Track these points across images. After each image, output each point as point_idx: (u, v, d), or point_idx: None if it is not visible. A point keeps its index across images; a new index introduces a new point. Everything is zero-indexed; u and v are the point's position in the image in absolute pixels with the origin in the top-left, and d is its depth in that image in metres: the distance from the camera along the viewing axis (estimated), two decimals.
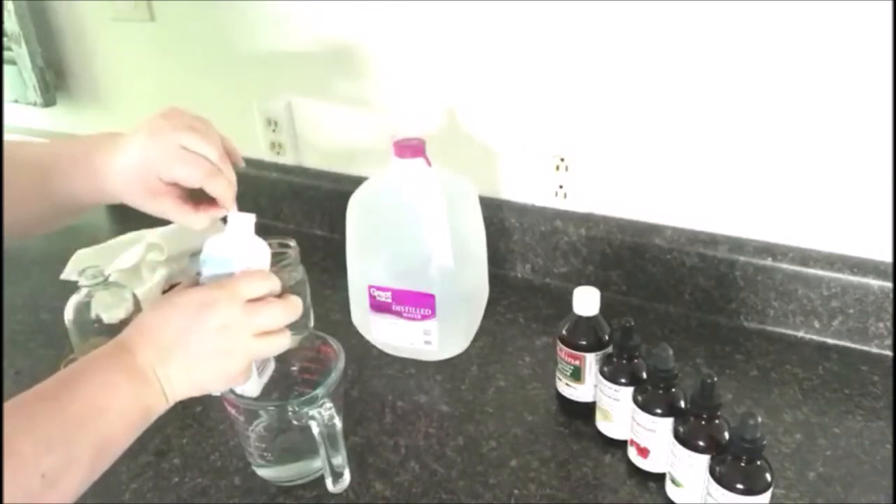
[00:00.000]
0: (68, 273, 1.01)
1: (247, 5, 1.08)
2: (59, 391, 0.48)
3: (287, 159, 1.16)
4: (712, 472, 0.56)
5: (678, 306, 0.90)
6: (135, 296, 0.80)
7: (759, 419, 0.53)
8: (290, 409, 0.60)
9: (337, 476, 0.61)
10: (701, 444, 0.58)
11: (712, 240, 0.86)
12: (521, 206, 0.97)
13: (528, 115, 0.93)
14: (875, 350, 0.80)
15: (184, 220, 0.60)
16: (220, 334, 0.53)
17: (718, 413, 0.58)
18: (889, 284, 0.77)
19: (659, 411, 0.61)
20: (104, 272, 0.77)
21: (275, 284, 0.56)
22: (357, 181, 0.84)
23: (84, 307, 0.76)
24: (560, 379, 0.73)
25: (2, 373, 0.82)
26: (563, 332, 0.71)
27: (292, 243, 0.83)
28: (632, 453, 0.66)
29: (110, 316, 0.76)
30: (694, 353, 0.82)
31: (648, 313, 0.90)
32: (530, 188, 0.97)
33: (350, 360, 0.69)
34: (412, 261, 0.78)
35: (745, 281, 0.84)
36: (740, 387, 0.76)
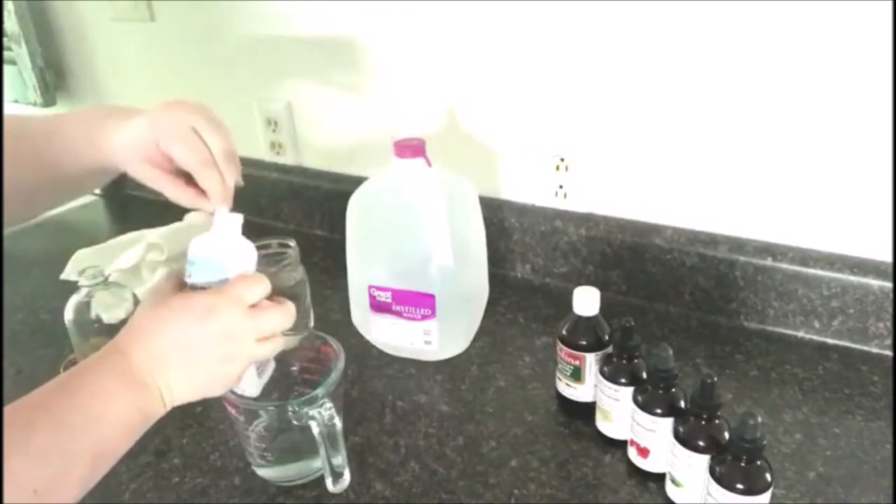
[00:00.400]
0: (68, 273, 1.01)
1: (247, 5, 1.08)
2: (54, 400, 0.48)
3: (287, 159, 1.16)
4: (712, 472, 0.56)
5: (678, 306, 0.90)
6: (135, 296, 0.80)
7: (759, 419, 0.53)
8: (290, 409, 0.59)
9: (337, 476, 0.61)
10: (701, 444, 0.58)
11: (712, 240, 0.86)
12: (521, 206, 0.97)
13: (528, 115, 0.93)
14: (875, 350, 0.80)
15: (168, 192, 0.60)
16: (223, 340, 0.53)
17: (718, 413, 0.58)
18: (889, 284, 0.77)
19: (659, 411, 0.61)
20: (104, 272, 0.77)
21: (268, 286, 0.56)
22: (357, 181, 0.84)
23: (84, 307, 0.76)
24: (560, 379, 0.73)
25: (2, 373, 0.82)
26: (563, 332, 0.71)
27: (292, 243, 0.83)
28: (632, 453, 0.66)
29: (110, 316, 0.76)
30: (694, 353, 0.82)
31: (648, 313, 0.90)
32: (530, 188, 0.97)
33: (350, 360, 0.69)
34: (412, 261, 0.78)
35: (745, 281, 0.84)
36: (740, 387, 0.76)
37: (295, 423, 0.60)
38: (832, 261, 0.80)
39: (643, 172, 0.88)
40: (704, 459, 0.57)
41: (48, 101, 1.35)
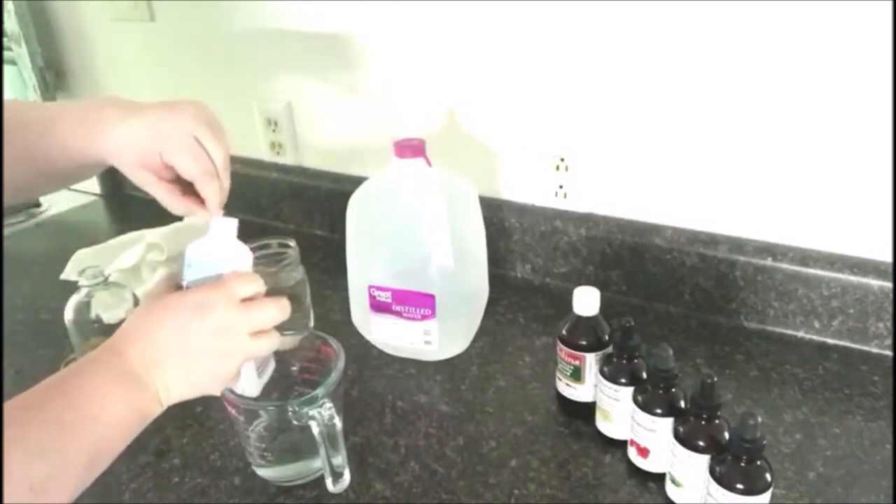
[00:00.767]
0: (68, 273, 1.01)
1: (247, 5, 1.08)
2: (51, 399, 0.48)
3: (287, 159, 1.16)
4: (712, 472, 0.56)
5: (678, 306, 0.90)
6: (135, 296, 0.80)
7: (759, 419, 0.53)
8: (290, 409, 0.59)
9: (337, 476, 0.61)
10: (701, 444, 0.58)
11: (712, 240, 0.86)
12: (521, 206, 0.97)
13: (528, 115, 0.93)
14: (875, 350, 0.80)
15: (164, 200, 0.60)
16: (218, 335, 0.53)
17: (718, 413, 0.58)
18: (889, 284, 0.77)
19: (659, 411, 0.61)
20: (104, 272, 0.77)
21: (262, 285, 0.56)
22: (357, 181, 0.84)
23: (84, 307, 0.76)
24: (560, 379, 0.73)
25: (2, 373, 0.82)
26: (563, 332, 0.71)
27: (292, 243, 0.83)
28: (632, 453, 0.66)
29: (110, 316, 0.76)
30: (694, 353, 0.82)
31: (648, 313, 0.90)
32: (530, 188, 0.97)
33: (350, 360, 0.69)
34: (412, 261, 0.78)
35: (745, 281, 0.84)
36: (740, 387, 0.76)
37: (295, 423, 0.60)
38: (832, 261, 0.80)
39: (643, 172, 0.88)
40: (704, 459, 0.57)
41: (48, 101, 1.35)
